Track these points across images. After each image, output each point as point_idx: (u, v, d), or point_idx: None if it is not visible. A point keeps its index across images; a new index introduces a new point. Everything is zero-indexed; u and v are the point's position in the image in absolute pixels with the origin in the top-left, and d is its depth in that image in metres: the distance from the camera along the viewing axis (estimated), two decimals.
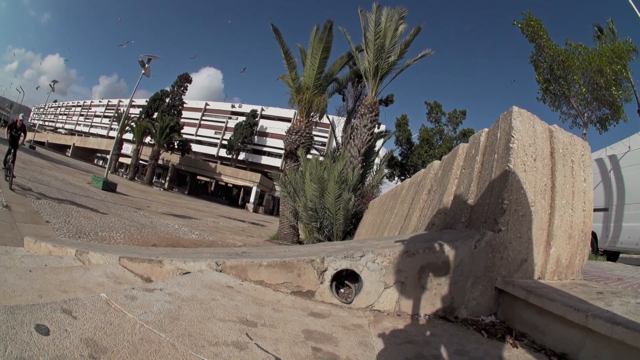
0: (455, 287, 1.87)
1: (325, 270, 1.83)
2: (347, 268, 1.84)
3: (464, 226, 2.39)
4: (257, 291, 1.74)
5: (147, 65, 26.62)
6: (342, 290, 1.91)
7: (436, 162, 4.10)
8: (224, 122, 59.71)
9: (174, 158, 50.01)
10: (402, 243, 2.03)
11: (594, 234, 10.27)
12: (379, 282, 1.82)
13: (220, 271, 1.89)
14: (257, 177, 48.06)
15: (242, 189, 53.78)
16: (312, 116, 13.39)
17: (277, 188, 11.51)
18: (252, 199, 48.56)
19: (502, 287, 1.87)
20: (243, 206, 49.01)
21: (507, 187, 1.99)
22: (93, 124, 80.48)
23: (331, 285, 1.84)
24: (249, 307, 1.50)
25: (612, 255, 10.16)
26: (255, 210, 46.15)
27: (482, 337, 1.64)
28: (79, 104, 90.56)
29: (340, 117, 17.67)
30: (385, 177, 24.27)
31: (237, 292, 1.65)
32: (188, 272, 1.85)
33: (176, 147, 47.98)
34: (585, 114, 13.50)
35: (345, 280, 1.92)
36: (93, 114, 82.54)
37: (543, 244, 2.06)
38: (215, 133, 60.11)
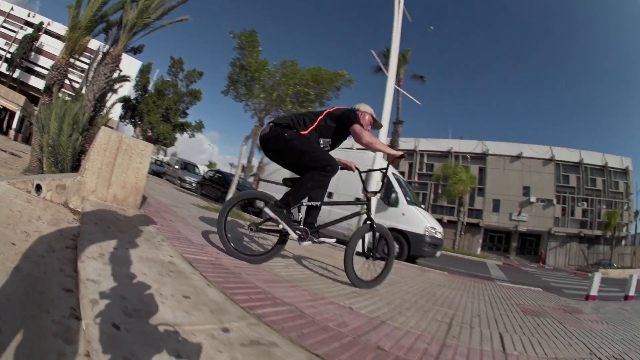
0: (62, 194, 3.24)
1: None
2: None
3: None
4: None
5: None
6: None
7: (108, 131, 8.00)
8: (16, 32, 48.24)
9: None
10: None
11: None
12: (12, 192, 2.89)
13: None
14: (21, 99, 40.07)
15: (8, 113, 46.99)
16: (74, 55, 12.83)
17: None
18: (14, 124, 42.97)
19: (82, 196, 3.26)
20: (6, 132, 43.76)
21: (89, 159, 3.49)
22: None
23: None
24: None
25: None
26: (15, 138, 40.92)
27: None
28: None
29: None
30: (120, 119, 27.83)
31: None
32: None
33: None
34: (264, 113, 12.95)
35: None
36: None
37: (106, 187, 3.58)
38: (6, 44, 49.26)
